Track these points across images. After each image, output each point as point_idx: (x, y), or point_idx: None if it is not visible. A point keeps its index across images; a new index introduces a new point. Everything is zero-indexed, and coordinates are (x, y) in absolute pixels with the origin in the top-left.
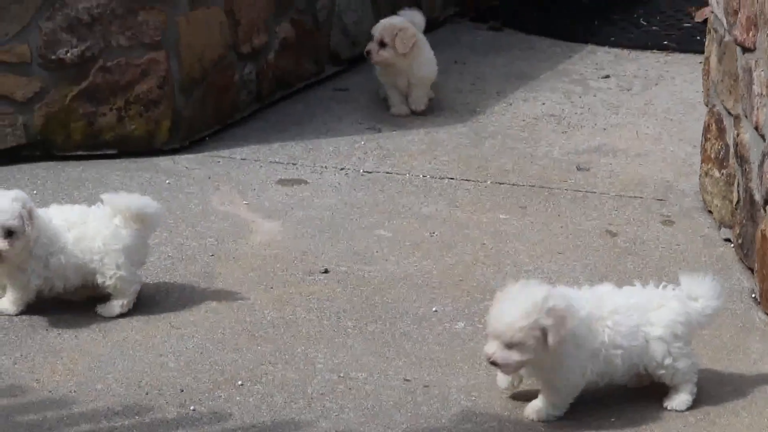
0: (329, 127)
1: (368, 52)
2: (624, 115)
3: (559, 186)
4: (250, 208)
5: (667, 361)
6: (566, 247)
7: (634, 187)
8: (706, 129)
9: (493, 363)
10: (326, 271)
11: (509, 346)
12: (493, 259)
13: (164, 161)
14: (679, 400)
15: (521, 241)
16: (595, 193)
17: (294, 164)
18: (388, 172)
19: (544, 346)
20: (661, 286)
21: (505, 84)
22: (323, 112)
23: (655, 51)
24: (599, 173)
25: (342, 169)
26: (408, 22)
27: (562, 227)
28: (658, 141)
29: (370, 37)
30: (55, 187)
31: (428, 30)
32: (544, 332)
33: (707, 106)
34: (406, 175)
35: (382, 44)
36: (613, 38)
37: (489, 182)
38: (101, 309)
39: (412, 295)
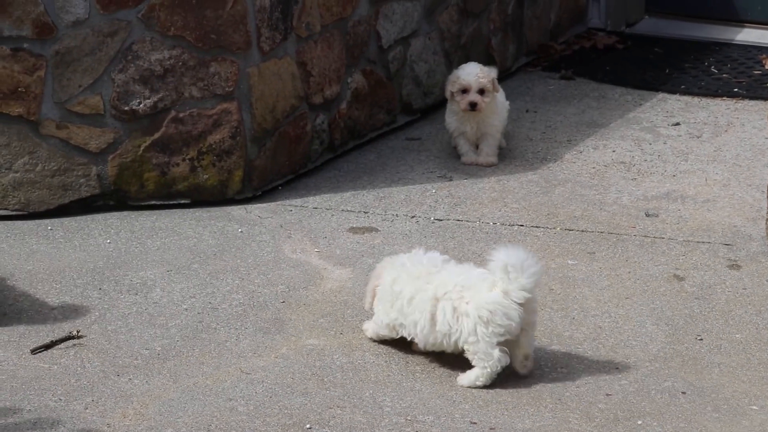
0: (401, 175)
1: (474, 104)
2: (693, 162)
3: (628, 232)
4: (321, 255)
5: (471, 339)
6: (633, 292)
7: (702, 232)
8: None
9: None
10: None
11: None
12: (560, 303)
13: (237, 210)
14: (468, 376)
15: (589, 287)
16: (663, 238)
17: (365, 212)
18: (458, 220)
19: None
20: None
21: (576, 132)
22: (395, 162)
23: (725, 98)
24: (668, 219)
25: (413, 217)
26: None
27: (629, 272)
28: (727, 187)
29: (443, 87)
30: (129, 236)
31: (500, 80)
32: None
33: None
34: (476, 222)
35: (482, 92)
36: (683, 86)
37: (558, 229)
38: None
39: None
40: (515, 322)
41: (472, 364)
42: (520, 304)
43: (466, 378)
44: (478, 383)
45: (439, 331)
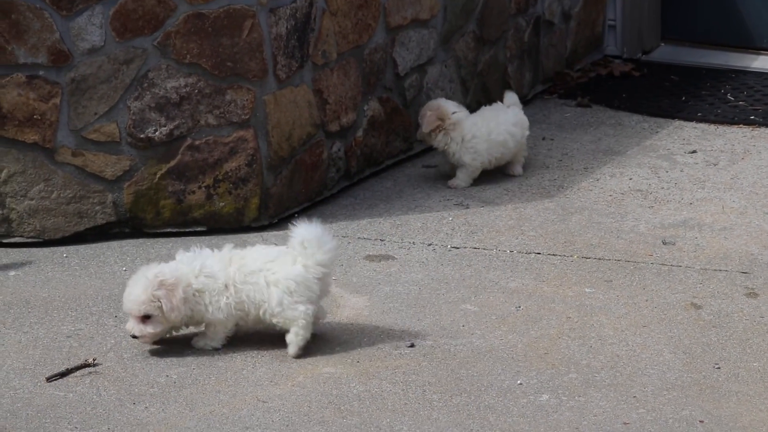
0: (417, 203)
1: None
2: (710, 190)
3: (645, 260)
4: (337, 283)
5: (277, 309)
6: (651, 320)
7: (719, 260)
8: None
9: (134, 336)
10: (412, 345)
11: (142, 320)
12: (578, 332)
13: (253, 238)
14: (289, 343)
15: (606, 315)
16: (680, 266)
17: (382, 240)
18: (475, 248)
19: (167, 313)
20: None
21: (593, 160)
22: (412, 189)
23: (741, 125)
24: (685, 247)
25: (429, 244)
26: (444, 103)
27: (647, 300)
28: (744, 214)
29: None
30: (145, 263)
31: None
32: (161, 302)
33: None
34: (493, 250)
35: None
36: (700, 114)
37: (575, 257)
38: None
39: (497, 368)
40: (315, 293)
41: (284, 329)
42: (319, 278)
43: (289, 348)
44: (299, 340)
45: (257, 301)
